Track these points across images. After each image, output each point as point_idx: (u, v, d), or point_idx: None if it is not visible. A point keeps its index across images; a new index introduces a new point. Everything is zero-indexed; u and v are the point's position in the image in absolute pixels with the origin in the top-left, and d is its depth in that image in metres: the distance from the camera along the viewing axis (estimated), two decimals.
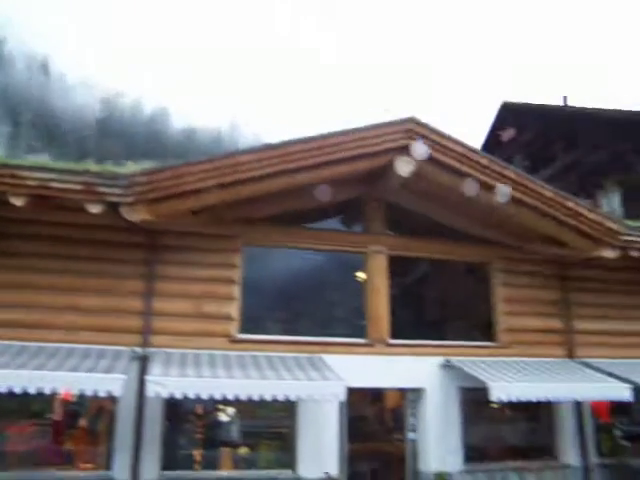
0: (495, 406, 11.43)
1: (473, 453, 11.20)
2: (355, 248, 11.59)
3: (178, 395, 8.33)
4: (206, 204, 9.78)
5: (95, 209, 8.87)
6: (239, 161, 9.29)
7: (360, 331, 11.22)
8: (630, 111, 18.33)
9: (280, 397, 8.70)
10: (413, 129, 10.04)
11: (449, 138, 10.28)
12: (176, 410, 9.91)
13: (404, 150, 10.12)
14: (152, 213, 9.19)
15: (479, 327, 12.29)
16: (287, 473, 10.11)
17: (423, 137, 10.07)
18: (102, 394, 8.01)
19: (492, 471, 11.17)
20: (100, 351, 9.30)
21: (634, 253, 11.66)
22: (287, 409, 10.28)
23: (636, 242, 11.60)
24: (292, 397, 8.91)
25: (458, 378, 11.05)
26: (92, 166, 9.04)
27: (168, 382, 8.40)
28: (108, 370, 8.44)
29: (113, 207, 8.98)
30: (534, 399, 10.07)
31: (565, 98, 22.42)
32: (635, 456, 11.55)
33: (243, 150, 9.87)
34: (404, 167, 10.17)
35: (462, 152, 10.30)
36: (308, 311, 11.55)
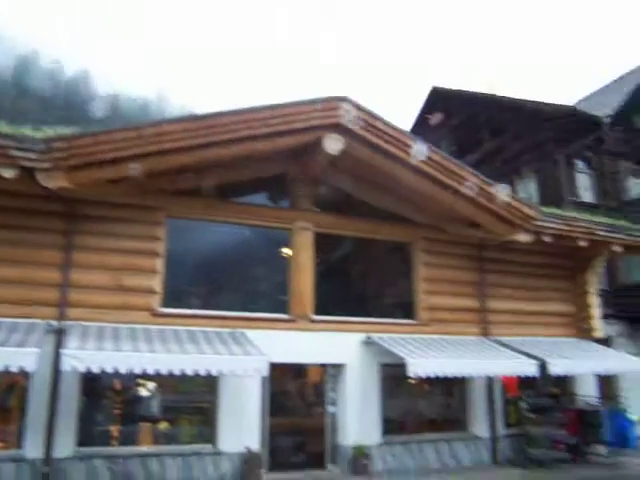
0: (413, 381, 11.85)
1: (391, 426, 11.60)
2: (281, 224, 11.57)
3: (95, 369, 8.09)
4: (129, 174, 9.44)
5: (7, 174, 8.35)
6: (164, 130, 9.02)
7: (284, 307, 11.28)
8: (550, 104, 19.12)
9: (202, 372, 8.64)
10: (344, 108, 10.07)
11: (378, 118, 10.39)
12: (94, 385, 9.66)
13: (333, 127, 10.15)
14: (71, 181, 8.79)
15: (400, 305, 12.64)
16: (208, 448, 10.10)
17: (353, 116, 10.13)
18: (14, 369, 7.63)
19: (408, 443, 11.62)
20: (12, 324, 8.86)
21: (546, 238, 12.28)
22: (209, 384, 10.23)
23: (549, 227, 12.21)
24: (214, 372, 8.87)
25: (378, 354, 11.36)
26: (5, 127, 8.48)
27: (85, 356, 8.12)
28: (21, 344, 8.05)
29: (29, 173, 8.51)
30: (449, 375, 10.50)
31: (492, 87, 23.18)
32: (538, 426, 12.30)
33: (168, 119, 9.61)
34: (333, 145, 10.20)
35: (390, 133, 10.45)
36: (232, 286, 11.47)
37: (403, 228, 12.48)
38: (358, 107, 10.22)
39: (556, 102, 19.05)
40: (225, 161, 10.19)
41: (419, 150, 10.34)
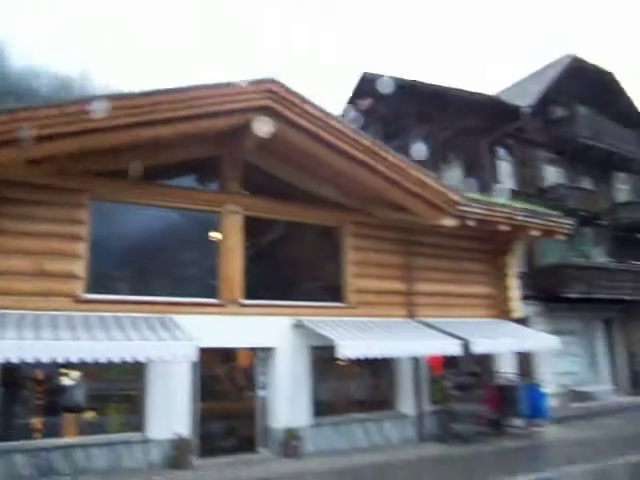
0: (342, 363, 12.05)
1: (321, 408, 11.77)
2: (210, 207, 11.40)
3: (14, 359, 7.74)
4: (49, 154, 9.03)
5: None
6: (87, 109, 8.64)
7: (213, 291, 11.17)
8: (475, 92, 19.75)
9: (128, 359, 8.45)
10: (273, 90, 10.01)
11: (308, 102, 10.40)
12: (14, 375, 9.24)
13: (263, 110, 10.08)
14: None
15: (330, 288, 12.78)
16: (136, 436, 9.91)
17: (283, 99, 10.09)
18: None
19: (338, 424, 11.84)
20: None
21: (470, 222, 12.76)
22: (136, 371, 10.01)
23: (473, 213, 12.69)
24: (141, 358, 8.69)
25: (308, 337, 11.48)
26: None
27: (3, 345, 7.77)
28: None
29: None
30: (377, 356, 10.78)
31: (421, 74, 23.64)
32: (461, 402, 12.83)
33: (93, 97, 9.18)
34: (262, 127, 10.14)
35: (320, 116, 10.49)
36: (160, 270, 11.20)
37: (332, 212, 12.60)
38: (288, 90, 10.19)
39: (480, 91, 19.71)
40: (152, 142, 9.90)
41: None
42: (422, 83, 22.21)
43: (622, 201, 24.66)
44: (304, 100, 10.36)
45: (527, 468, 9.85)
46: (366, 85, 23.95)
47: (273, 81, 10.03)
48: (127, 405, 10.23)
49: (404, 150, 14.20)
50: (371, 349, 10.63)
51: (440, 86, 20.90)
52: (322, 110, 10.57)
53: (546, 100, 21.63)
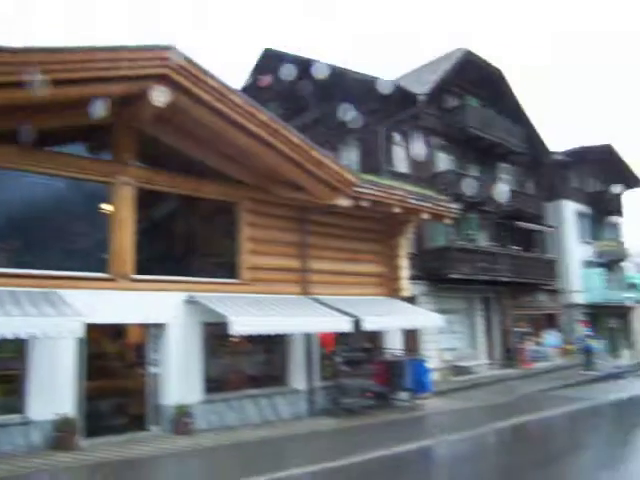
0: (235, 339, 12.06)
1: (213, 384, 11.72)
2: (101, 177, 10.84)
3: None
4: None
5: None
6: None
7: (103, 265, 10.71)
8: (374, 77, 20.14)
9: (8, 335, 7.96)
10: (171, 58, 9.66)
11: (208, 74, 10.14)
12: None
13: (160, 78, 9.71)
14: None
15: (224, 264, 12.68)
16: (16, 418, 9.35)
17: (182, 68, 9.78)
18: None
19: (230, 400, 11.86)
20: None
21: (364, 203, 13.11)
22: (17, 349, 9.44)
23: (367, 194, 13.05)
24: (23, 335, 8.21)
25: (201, 313, 11.35)
26: None
27: None
28: None
29: None
30: (270, 332, 10.90)
31: (321, 56, 23.76)
32: (351, 378, 13.29)
33: None
34: (159, 97, 9.77)
35: (219, 89, 10.28)
36: (47, 243, 10.43)
37: (229, 187, 12.45)
38: (187, 59, 9.87)
39: (380, 76, 20.13)
40: (39, 104, 9.22)
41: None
42: (323, 63, 22.38)
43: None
44: (204, 71, 10.09)
45: (411, 437, 10.40)
46: (268, 61, 23.80)
47: (171, 49, 9.65)
48: (5, 386, 9.62)
49: (304, 129, 14.32)
50: (264, 325, 10.73)
51: (341, 67, 21.20)
52: (222, 83, 10.37)
53: (440, 89, 22.54)
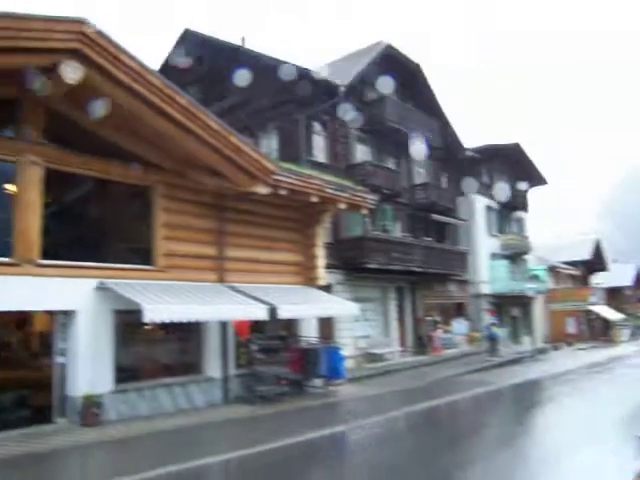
0: (149, 327, 11.78)
1: (125, 374, 11.38)
2: (6, 156, 10.17)
3: None
4: None
5: None
6: None
7: (7, 249, 10.08)
8: (296, 65, 20.04)
9: None
10: (85, 32, 9.20)
11: (124, 51, 9.75)
12: None
13: (72, 53, 9.23)
14: None
15: (138, 251, 12.33)
16: None
17: (95, 44, 9.34)
18: None
19: (142, 389, 11.57)
20: None
21: (283, 191, 13.13)
22: None
23: (286, 182, 13.07)
24: None
25: (112, 300, 10.97)
26: None
27: None
28: None
29: None
30: (185, 320, 10.68)
31: (243, 39, 23.42)
32: (266, 365, 13.33)
33: None
34: (70, 73, 9.28)
35: (135, 68, 9.91)
36: None
37: (145, 171, 12.03)
38: (102, 34, 9.43)
39: (302, 65, 20.10)
40: None
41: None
42: (245, 49, 22.14)
43: (419, 183, 27.19)
44: (120, 48, 9.69)
45: (324, 423, 10.57)
46: (187, 43, 23.19)
47: (86, 22, 9.18)
48: None
49: (223, 115, 14.09)
50: (178, 313, 10.52)
51: (262, 54, 20.98)
52: (140, 63, 10.01)
53: (360, 81, 22.84)
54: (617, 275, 56.70)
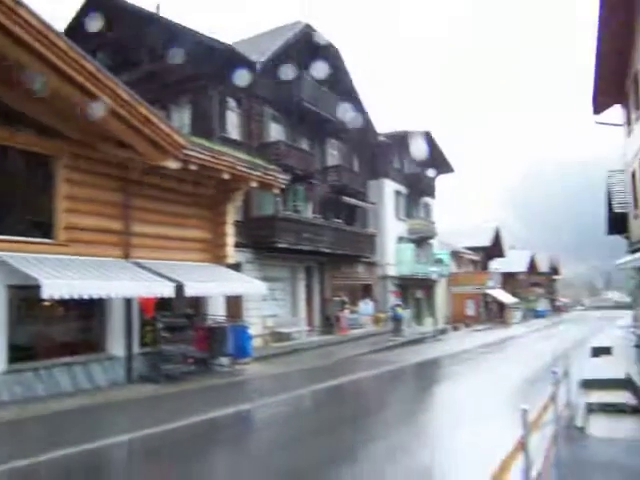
0: (48, 304, 11.24)
1: (20, 353, 10.79)
2: None
3: None
4: None
5: None
6: None
7: None
8: (213, 39, 19.52)
9: None
10: None
11: (24, 6, 9.03)
12: None
13: None
14: None
15: (38, 223, 11.65)
16: None
17: None
18: None
19: (39, 369, 11.02)
20: None
21: (193, 167, 12.85)
22: None
23: (197, 157, 12.79)
24: None
25: (7, 275, 10.31)
26: None
27: None
28: None
29: None
30: (87, 296, 10.25)
31: (158, 7, 22.49)
32: (171, 344, 13.11)
33: None
34: None
35: (36, 26, 9.22)
36: None
37: (48, 140, 11.35)
38: None
39: (218, 38, 19.61)
40: None
41: None
42: (159, 16, 21.29)
43: (331, 165, 27.48)
44: (18, 3, 8.98)
45: (230, 402, 10.57)
46: (96, 4, 21.94)
47: None
48: None
49: (134, 85, 13.50)
50: (79, 289, 10.08)
51: (177, 24, 20.25)
52: (43, 22, 9.30)
53: (277, 60, 22.62)
54: (513, 261, 60.33)
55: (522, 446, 3.87)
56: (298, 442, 8.02)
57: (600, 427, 8.76)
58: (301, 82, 23.79)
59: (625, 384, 11.18)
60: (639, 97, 18.29)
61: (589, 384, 11.62)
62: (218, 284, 13.71)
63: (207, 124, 19.44)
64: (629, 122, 20.82)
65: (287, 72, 23.98)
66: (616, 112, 22.78)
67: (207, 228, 15.18)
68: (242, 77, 20.06)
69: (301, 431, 8.77)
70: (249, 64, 20.41)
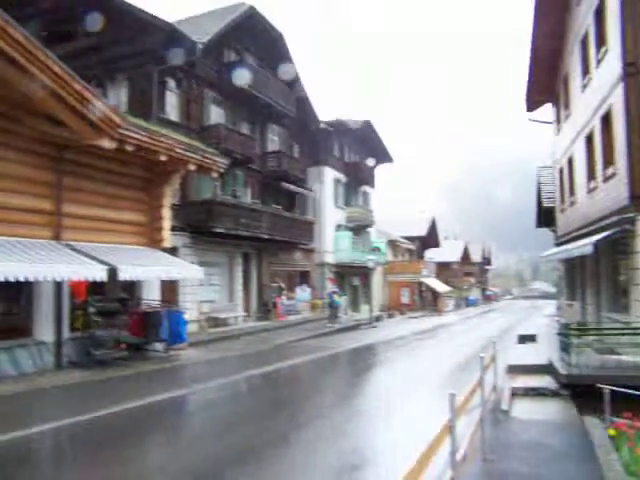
0: None
1: None
2: None
3: None
4: None
5: None
6: None
7: None
8: (154, 16, 18.85)
9: None
10: None
11: None
12: None
13: None
14: None
15: None
16: None
17: None
18: None
19: None
20: None
21: (129, 147, 12.48)
22: None
23: (133, 138, 12.42)
24: None
25: None
26: None
27: None
28: None
29: None
30: (12, 279, 9.78)
31: None
32: (104, 328, 12.78)
33: None
34: None
35: None
36: None
37: None
38: None
39: (160, 16, 19.01)
40: None
41: None
42: None
43: (272, 150, 27.34)
44: None
45: (164, 388, 10.40)
46: None
47: None
48: None
49: (68, 59, 12.93)
50: (4, 271, 9.63)
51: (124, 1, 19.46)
52: None
53: (220, 41, 22.20)
54: (447, 251, 62.10)
55: (449, 429, 4.01)
56: (232, 427, 8.01)
57: (523, 410, 9.23)
58: (243, 65, 23.47)
59: (547, 369, 11.77)
60: (568, 97, 19.11)
61: (515, 369, 12.18)
62: (153, 268, 13.42)
63: (145, 104, 18.89)
64: (559, 120, 21.73)
65: (230, 54, 23.62)
66: (548, 111, 23.74)
67: (143, 211, 14.81)
68: (182, 57, 19.61)
69: (236, 417, 8.76)
70: (190, 44, 19.94)
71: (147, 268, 13.14)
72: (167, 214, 15.15)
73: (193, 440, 7.43)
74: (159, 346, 14.32)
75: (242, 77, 23.04)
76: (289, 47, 26.94)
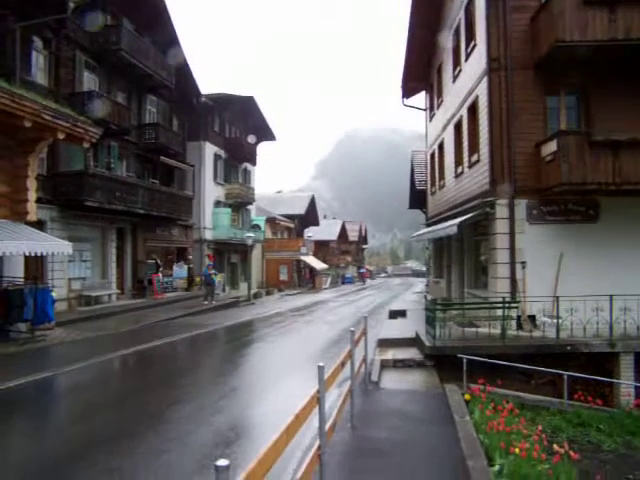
0: None
1: None
2: None
3: None
4: None
5: None
6: None
7: None
8: None
9: None
10: None
11: None
12: None
13: None
14: None
15: None
16: None
17: None
18: None
19: None
20: None
21: None
22: None
23: None
24: None
25: None
26: None
27: None
28: None
29: None
30: None
31: None
32: None
33: None
34: None
35: None
36: None
37: None
38: None
39: None
40: None
41: None
42: None
43: (149, 122, 26.30)
44: None
45: (26, 371, 9.78)
46: None
47: None
48: None
49: None
50: None
51: None
52: None
53: (95, 2, 20.83)
54: (325, 230, 63.60)
55: (317, 400, 4.21)
56: (101, 409, 7.75)
57: (391, 380, 9.84)
58: (120, 30, 22.21)
59: (414, 342, 12.58)
60: (441, 87, 20.20)
61: (385, 343, 12.89)
62: (15, 243, 12.47)
63: (6, 62, 17.33)
64: (432, 108, 22.92)
65: (105, 18, 22.25)
66: (422, 98, 24.93)
67: (4, 181, 13.67)
68: (52, 14, 18.20)
69: (106, 399, 8.48)
70: (61, 1, 18.54)
71: (8, 242, 12.20)
72: (32, 185, 14.10)
73: (57, 426, 7.12)
74: (22, 326, 13.44)
75: (118, 42, 21.84)
76: (170, 12, 25.76)
